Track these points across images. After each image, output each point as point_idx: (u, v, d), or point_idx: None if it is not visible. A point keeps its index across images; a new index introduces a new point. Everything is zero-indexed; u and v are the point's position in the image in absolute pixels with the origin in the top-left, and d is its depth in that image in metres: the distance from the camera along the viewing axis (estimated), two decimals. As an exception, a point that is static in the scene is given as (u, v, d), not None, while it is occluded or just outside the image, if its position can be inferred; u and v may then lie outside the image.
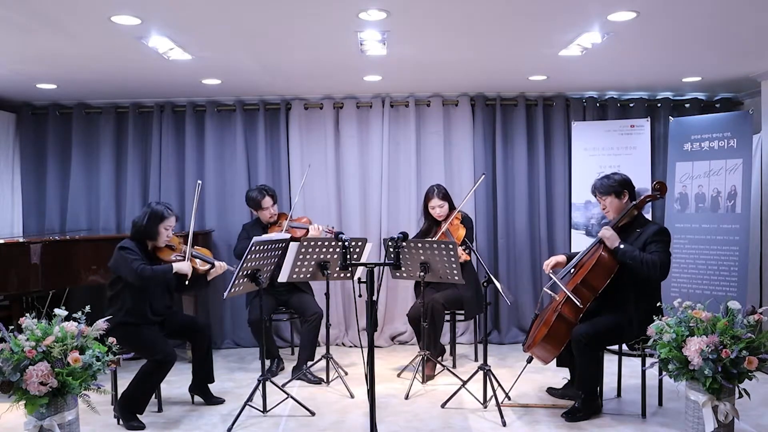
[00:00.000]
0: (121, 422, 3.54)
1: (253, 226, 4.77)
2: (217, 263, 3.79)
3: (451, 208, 4.55)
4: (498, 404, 3.59)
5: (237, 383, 4.38)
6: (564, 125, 5.55)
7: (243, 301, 4.94)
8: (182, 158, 5.48)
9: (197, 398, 3.95)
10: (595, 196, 3.72)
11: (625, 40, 3.81)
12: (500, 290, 3.72)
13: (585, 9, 3.28)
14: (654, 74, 4.86)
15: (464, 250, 4.32)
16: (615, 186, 3.60)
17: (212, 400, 3.93)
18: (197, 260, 3.75)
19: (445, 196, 4.54)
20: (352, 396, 4.01)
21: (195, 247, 3.84)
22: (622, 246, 3.45)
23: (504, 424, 3.48)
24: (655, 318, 3.20)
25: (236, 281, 3.62)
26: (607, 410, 3.69)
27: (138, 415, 3.53)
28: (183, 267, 3.61)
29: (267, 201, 4.59)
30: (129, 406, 3.52)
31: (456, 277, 3.99)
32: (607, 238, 3.51)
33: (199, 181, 3.96)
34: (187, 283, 3.67)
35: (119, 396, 3.57)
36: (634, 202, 3.60)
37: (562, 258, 3.86)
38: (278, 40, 3.77)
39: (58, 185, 5.48)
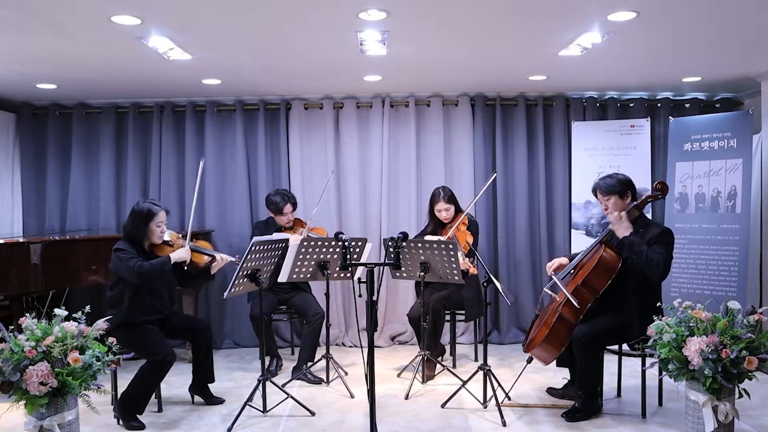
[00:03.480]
0: (120, 422, 3.54)
1: (266, 226, 4.80)
2: (218, 255, 3.82)
3: (457, 210, 4.55)
4: (498, 404, 3.59)
5: (237, 383, 4.38)
6: (564, 125, 5.55)
7: (243, 300, 4.94)
8: (182, 158, 5.48)
9: (197, 398, 3.94)
10: (596, 196, 3.70)
11: (625, 40, 3.81)
12: (500, 290, 3.72)
13: (585, 9, 3.28)
14: (654, 74, 4.86)
15: (471, 261, 4.25)
16: (618, 186, 3.59)
17: (212, 400, 3.93)
18: (198, 253, 3.78)
19: (451, 199, 4.53)
20: (352, 396, 4.02)
21: (194, 241, 3.86)
22: (631, 237, 3.44)
23: (504, 424, 3.48)
24: (655, 318, 3.20)
25: (236, 281, 3.62)
26: (607, 410, 3.69)
27: (138, 415, 3.53)
28: (181, 254, 3.60)
29: (288, 207, 4.65)
30: (129, 407, 3.51)
31: (456, 277, 3.98)
32: (617, 228, 3.49)
33: (202, 160, 3.93)
34: (185, 267, 3.67)
35: (119, 396, 3.57)
36: (635, 203, 3.60)
37: (564, 260, 3.84)
38: (278, 40, 3.77)
39: (58, 185, 5.48)
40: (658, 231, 3.49)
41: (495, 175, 4.80)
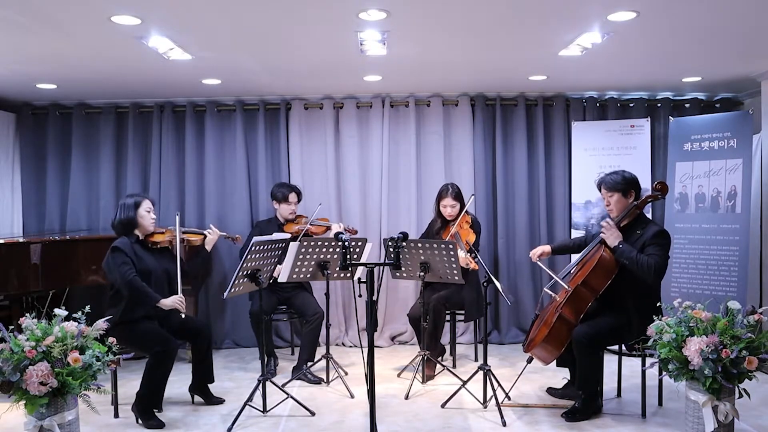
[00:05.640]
0: (140, 422, 3.56)
1: (268, 224, 4.84)
2: (207, 231, 3.99)
3: (462, 208, 4.57)
4: (498, 404, 3.59)
5: (237, 383, 4.38)
6: (564, 125, 5.55)
7: (243, 300, 4.95)
8: (182, 158, 5.48)
9: (197, 398, 3.95)
10: (600, 191, 3.71)
11: (625, 40, 3.81)
12: (500, 290, 3.72)
13: (585, 9, 3.28)
14: (654, 74, 4.86)
15: (473, 257, 4.27)
16: (622, 184, 3.60)
17: (212, 400, 3.93)
18: (191, 234, 3.97)
19: (458, 196, 4.55)
20: (352, 396, 4.02)
21: (183, 227, 3.94)
22: (621, 246, 3.45)
23: (504, 424, 3.48)
24: (655, 318, 3.20)
25: (236, 281, 3.62)
26: (607, 410, 3.69)
27: (156, 412, 3.58)
28: (169, 303, 3.62)
29: (293, 196, 4.79)
30: (145, 405, 3.55)
31: (456, 277, 3.99)
32: (607, 237, 3.51)
33: (178, 212, 3.97)
34: (179, 282, 3.71)
35: (134, 398, 3.59)
36: (635, 203, 3.60)
37: (547, 248, 3.96)
38: (278, 40, 3.77)
39: (58, 185, 5.48)
40: (653, 233, 3.49)
41: (473, 196, 4.75)
